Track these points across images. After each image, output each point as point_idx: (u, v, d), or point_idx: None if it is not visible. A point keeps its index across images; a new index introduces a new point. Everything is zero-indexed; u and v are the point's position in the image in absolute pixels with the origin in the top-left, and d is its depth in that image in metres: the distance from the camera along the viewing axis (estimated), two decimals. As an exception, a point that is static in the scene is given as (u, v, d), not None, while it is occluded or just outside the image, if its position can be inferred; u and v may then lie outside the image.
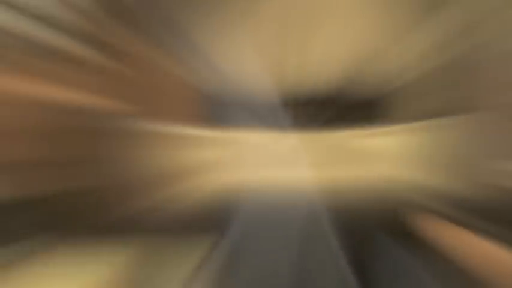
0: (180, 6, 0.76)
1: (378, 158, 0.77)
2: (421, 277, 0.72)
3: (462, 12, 0.73)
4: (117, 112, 0.74)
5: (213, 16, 0.77)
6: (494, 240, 0.69)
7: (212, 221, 0.76)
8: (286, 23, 0.77)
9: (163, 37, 0.76)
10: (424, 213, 0.74)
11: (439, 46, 0.74)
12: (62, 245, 0.71)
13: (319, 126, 0.78)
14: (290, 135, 0.79)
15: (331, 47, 0.77)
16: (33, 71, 0.70)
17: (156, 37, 0.76)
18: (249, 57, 0.78)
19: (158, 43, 0.76)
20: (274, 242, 0.76)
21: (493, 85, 0.73)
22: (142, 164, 0.75)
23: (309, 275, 0.73)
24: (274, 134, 0.79)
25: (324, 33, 0.76)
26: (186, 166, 0.76)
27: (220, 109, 0.79)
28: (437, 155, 0.75)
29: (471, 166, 0.73)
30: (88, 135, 0.73)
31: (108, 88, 0.74)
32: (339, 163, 0.78)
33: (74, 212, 0.72)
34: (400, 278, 0.73)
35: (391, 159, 0.76)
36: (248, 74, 0.78)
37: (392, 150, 0.77)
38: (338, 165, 0.78)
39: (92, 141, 0.73)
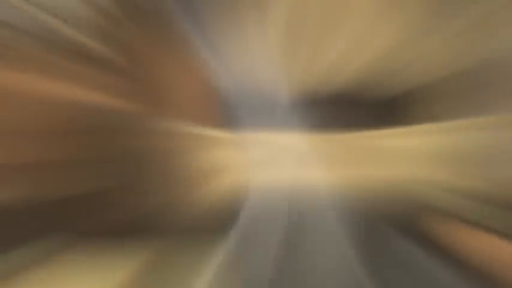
0: (197, 4, 0.75)
1: (395, 159, 0.76)
2: (438, 279, 0.71)
3: (482, 14, 0.72)
4: (133, 112, 0.74)
5: (228, 14, 0.76)
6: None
7: (226, 222, 0.75)
8: (303, 23, 0.77)
9: (182, 37, 0.75)
10: (442, 214, 0.73)
11: (458, 48, 0.74)
12: (75, 247, 0.70)
13: (336, 127, 0.77)
14: (306, 136, 0.78)
15: (349, 46, 0.76)
16: (51, 70, 0.69)
17: (174, 37, 0.75)
18: (264, 57, 0.77)
19: (176, 43, 0.75)
20: (287, 242, 0.75)
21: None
22: (157, 164, 0.74)
23: (321, 274, 0.73)
24: (289, 135, 0.78)
25: (341, 32, 0.76)
26: (200, 167, 0.76)
27: (235, 110, 0.78)
28: (455, 156, 0.75)
29: (490, 167, 0.73)
30: (103, 135, 0.72)
31: (124, 88, 0.73)
32: (356, 164, 0.77)
33: (88, 213, 0.71)
34: (417, 279, 0.72)
35: (409, 160, 0.76)
36: (263, 74, 0.78)
37: (410, 151, 0.76)
38: (355, 166, 0.77)
39: (107, 141, 0.72)
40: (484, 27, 0.73)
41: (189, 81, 0.77)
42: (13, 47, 0.68)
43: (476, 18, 0.73)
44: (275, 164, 0.78)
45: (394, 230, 0.74)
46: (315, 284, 0.73)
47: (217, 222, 0.75)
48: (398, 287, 0.72)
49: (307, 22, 0.77)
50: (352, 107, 0.77)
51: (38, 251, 0.69)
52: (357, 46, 0.76)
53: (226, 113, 0.78)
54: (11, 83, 0.67)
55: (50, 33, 0.69)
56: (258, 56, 0.77)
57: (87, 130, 0.71)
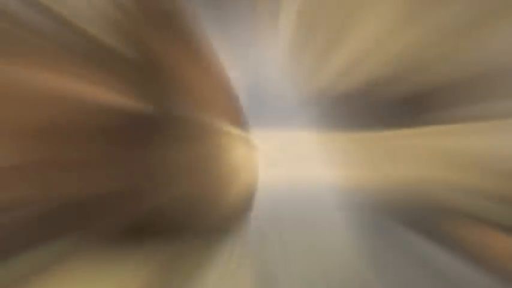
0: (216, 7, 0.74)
1: (409, 159, 0.76)
2: (453, 276, 0.72)
3: (503, 15, 0.73)
4: (148, 111, 0.70)
5: (244, 11, 0.74)
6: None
7: (237, 222, 0.74)
8: (318, 22, 0.76)
9: (201, 36, 0.73)
10: (457, 214, 0.74)
11: (476, 50, 0.74)
12: (87, 249, 0.66)
13: (351, 127, 0.77)
14: (321, 135, 0.77)
15: (365, 46, 0.76)
16: (64, 67, 0.65)
17: (192, 36, 0.73)
18: (278, 56, 0.76)
19: (195, 42, 0.73)
20: (298, 240, 0.74)
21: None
22: (170, 164, 0.71)
23: (330, 273, 0.72)
24: (304, 134, 0.77)
25: (357, 31, 0.75)
26: (215, 166, 0.73)
27: (249, 108, 0.77)
28: (469, 157, 0.75)
29: (505, 168, 0.74)
30: (118, 136, 0.68)
31: (142, 87, 0.70)
32: (370, 163, 0.77)
33: (99, 216, 0.67)
34: (431, 277, 0.72)
35: (423, 160, 0.76)
36: (277, 73, 0.76)
37: (424, 152, 0.76)
38: (369, 166, 0.77)
39: (122, 141, 0.69)
40: (507, 29, 0.74)
41: (207, 81, 0.74)
42: (22, 41, 0.63)
43: (498, 19, 0.74)
44: (288, 163, 0.78)
45: (407, 229, 0.74)
46: (323, 283, 0.72)
47: (229, 221, 0.73)
48: (412, 286, 0.72)
49: (322, 21, 0.76)
50: (367, 107, 0.77)
51: (42, 256, 0.65)
52: (373, 46, 0.75)
53: (242, 111, 0.76)
54: (17, 79, 0.63)
55: (64, 28, 0.65)
56: (271, 55, 0.76)
57: (103, 130, 0.67)
